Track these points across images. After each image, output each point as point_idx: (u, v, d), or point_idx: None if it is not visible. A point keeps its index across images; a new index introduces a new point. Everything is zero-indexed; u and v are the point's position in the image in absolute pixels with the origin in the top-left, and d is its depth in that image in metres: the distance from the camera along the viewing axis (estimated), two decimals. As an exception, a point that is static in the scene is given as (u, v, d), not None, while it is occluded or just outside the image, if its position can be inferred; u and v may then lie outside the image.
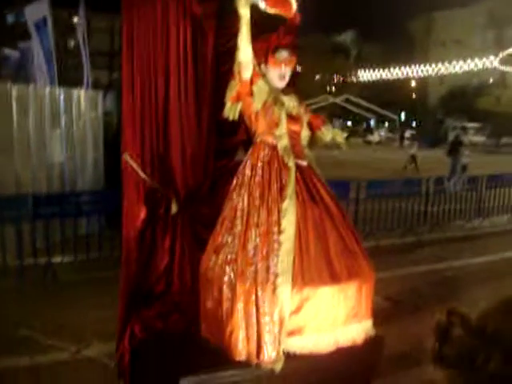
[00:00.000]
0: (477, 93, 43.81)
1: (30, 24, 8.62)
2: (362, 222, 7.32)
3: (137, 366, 3.20)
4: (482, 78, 44.64)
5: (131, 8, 3.30)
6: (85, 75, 8.67)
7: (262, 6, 3.30)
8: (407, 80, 47.45)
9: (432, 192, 8.48)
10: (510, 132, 37.59)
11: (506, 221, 9.13)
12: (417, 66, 44.06)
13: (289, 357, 3.09)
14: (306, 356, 3.12)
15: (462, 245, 7.49)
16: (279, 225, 3.09)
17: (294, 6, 3.52)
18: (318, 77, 46.57)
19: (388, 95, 47.48)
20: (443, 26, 49.29)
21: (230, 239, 3.19)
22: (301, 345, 3.12)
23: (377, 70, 46.58)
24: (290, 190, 3.16)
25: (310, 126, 3.55)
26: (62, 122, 7.09)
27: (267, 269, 3.03)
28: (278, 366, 3.04)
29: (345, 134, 3.76)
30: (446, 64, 42.09)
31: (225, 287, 3.11)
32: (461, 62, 41.16)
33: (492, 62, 39.04)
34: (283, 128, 3.31)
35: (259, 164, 3.26)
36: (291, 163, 3.26)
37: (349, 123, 51.45)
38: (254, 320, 3.03)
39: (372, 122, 50.11)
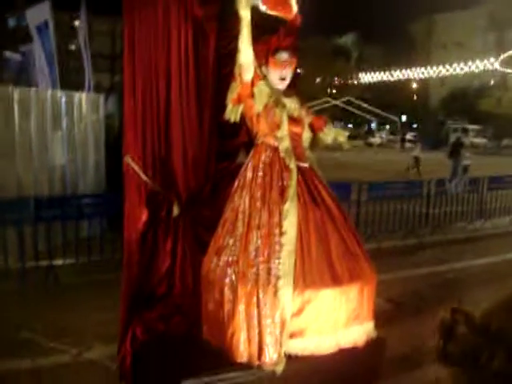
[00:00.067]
0: (478, 95, 43.80)
1: (32, 27, 8.64)
2: (364, 224, 7.30)
3: (138, 369, 3.20)
4: (482, 80, 44.66)
5: (132, 11, 3.31)
6: (86, 78, 8.69)
7: (263, 7, 3.31)
8: (408, 82, 47.49)
9: (433, 194, 8.46)
10: (511, 134, 37.58)
11: (508, 222, 9.11)
12: (418, 68, 44.09)
13: (290, 359, 3.09)
14: (307, 358, 3.12)
15: (464, 247, 7.47)
16: (281, 227, 3.09)
17: (295, 7, 3.52)
18: (318, 79, 46.58)
19: (389, 97, 47.50)
20: (444, 28, 49.31)
21: (231, 241, 3.19)
22: (302, 347, 3.12)
23: (378, 73, 46.63)
24: (292, 191, 3.17)
25: (312, 128, 3.55)
26: (64, 124, 7.10)
27: (269, 271, 3.03)
28: (280, 368, 3.04)
29: (347, 133, 3.76)
30: (447, 66, 42.12)
31: (226, 289, 3.11)
32: (462, 64, 41.19)
33: (493, 63, 39.03)
34: (284, 130, 3.31)
35: (260, 166, 3.27)
36: (293, 165, 3.26)
37: (350, 126, 51.43)
38: (255, 322, 3.03)
39: (373, 125, 50.12)
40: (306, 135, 3.48)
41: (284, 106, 3.35)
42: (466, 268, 6.24)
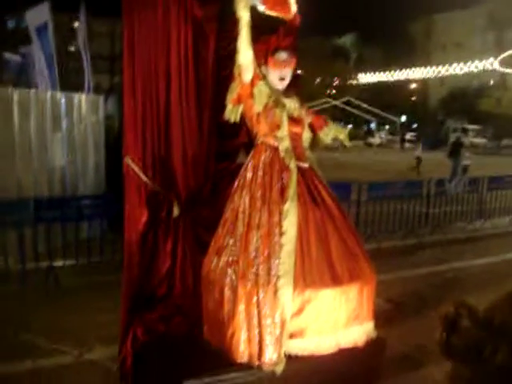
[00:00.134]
0: (477, 94, 43.81)
1: (31, 29, 8.64)
2: (364, 224, 7.30)
3: (139, 369, 3.20)
4: (482, 80, 44.66)
5: (132, 12, 3.31)
6: (86, 79, 8.69)
7: (261, 8, 3.32)
8: (407, 82, 47.50)
9: (433, 194, 8.46)
10: (510, 134, 37.57)
11: (508, 222, 9.11)
12: (417, 68, 44.11)
13: (290, 359, 3.09)
14: (307, 358, 3.12)
15: (464, 247, 7.47)
16: (281, 226, 3.09)
17: (294, 7, 3.53)
18: (318, 80, 46.58)
19: (388, 97, 47.46)
20: (443, 28, 49.35)
21: (231, 241, 3.19)
22: (302, 347, 3.12)
23: (377, 73, 46.64)
24: (292, 191, 3.17)
25: (312, 128, 3.56)
26: (64, 125, 7.10)
27: (269, 271, 3.04)
28: (280, 368, 3.04)
29: (346, 130, 3.76)
30: (447, 66, 42.14)
31: (226, 289, 3.11)
32: (461, 64, 41.22)
33: (492, 63, 39.06)
34: (284, 130, 3.31)
35: (260, 166, 3.27)
36: (293, 165, 3.26)
37: (350, 126, 51.42)
38: (255, 322, 3.04)
39: (373, 125, 50.09)
40: (306, 135, 3.49)
41: (284, 106, 3.35)
42: (466, 268, 6.24)
